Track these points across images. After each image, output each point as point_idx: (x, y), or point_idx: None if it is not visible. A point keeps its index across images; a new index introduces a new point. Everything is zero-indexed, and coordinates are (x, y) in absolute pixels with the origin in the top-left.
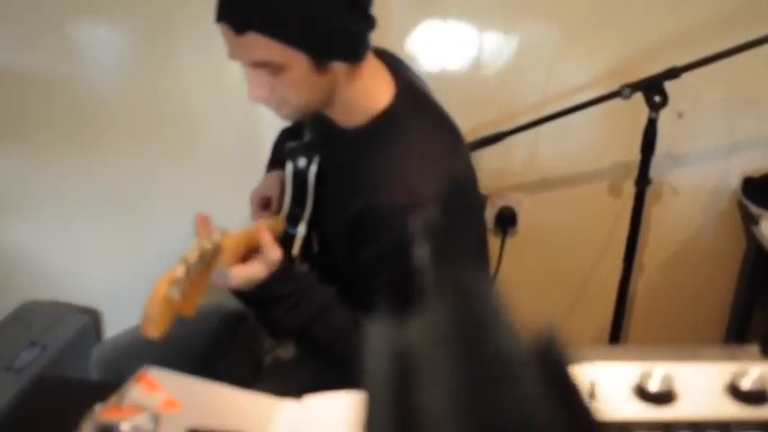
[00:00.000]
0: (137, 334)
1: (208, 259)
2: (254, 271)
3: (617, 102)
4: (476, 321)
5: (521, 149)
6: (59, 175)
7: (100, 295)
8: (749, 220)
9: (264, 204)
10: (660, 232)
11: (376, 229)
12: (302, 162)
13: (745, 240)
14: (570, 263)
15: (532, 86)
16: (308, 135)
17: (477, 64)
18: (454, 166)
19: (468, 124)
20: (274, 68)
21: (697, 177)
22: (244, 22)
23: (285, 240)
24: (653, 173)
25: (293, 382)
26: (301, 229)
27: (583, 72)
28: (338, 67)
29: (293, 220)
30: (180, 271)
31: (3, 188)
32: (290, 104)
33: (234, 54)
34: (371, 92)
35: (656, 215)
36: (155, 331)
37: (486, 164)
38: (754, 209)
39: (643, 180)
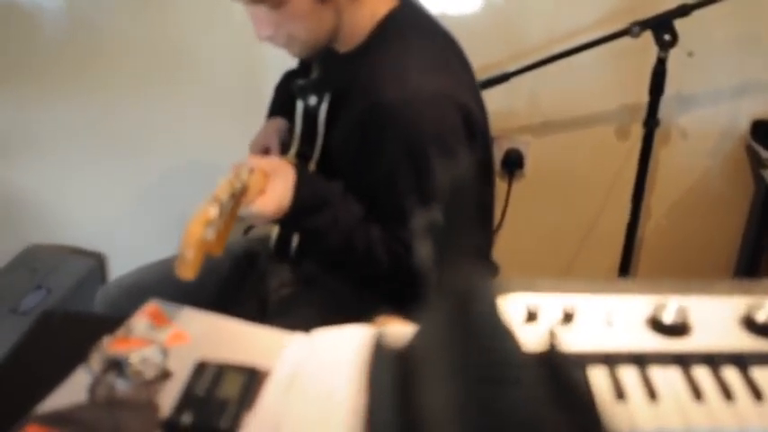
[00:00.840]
0: (141, 274)
1: (237, 199)
2: (276, 189)
3: (626, 41)
4: (475, 324)
5: (528, 91)
6: (62, 118)
7: (104, 238)
8: (758, 164)
9: (264, 154)
10: (668, 175)
11: (383, 130)
12: (313, 100)
13: (754, 184)
14: (578, 205)
15: (539, 26)
16: (316, 72)
17: (483, 3)
18: (461, 78)
19: (474, 64)
20: (275, 2)
21: (706, 120)
22: None
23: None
24: (661, 115)
25: (298, 319)
26: (313, 166)
27: (591, 11)
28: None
29: (303, 158)
30: (213, 212)
31: (4, 132)
32: (297, 40)
33: None
34: (373, 12)
35: (664, 158)
36: (190, 273)
37: (493, 105)
38: (762, 152)
39: (651, 122)
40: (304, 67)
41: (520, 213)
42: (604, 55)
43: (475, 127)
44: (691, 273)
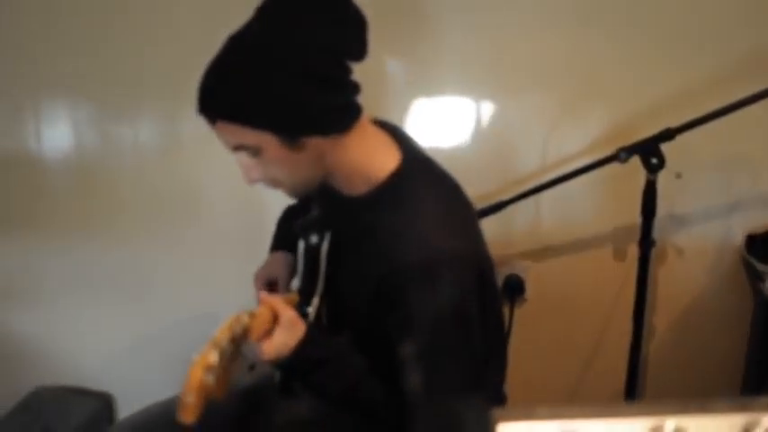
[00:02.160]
0: (149, 413)
1: (238, 340)
2: (280, 339)
3: (615, 166)
4: None
5: (523, 218)
6: (66, 262)
7: (111, 378)
8: (755, 277)
9: (269, 286)
10: (668, 293)
11: (402, 291)
12: (314, 239)
13: (753, 297)
14: (580, 328)
15: (531, 156)
16: (315, 210)
17: (474, 136)
18: (472, 232)
19: (470, 195)
20: (252, 151)
21: (700, 237)
22: (211, 112)
23: (302, 309)
24: (656, 234)
25: None
26: (314, 306)
27: (579, 139)
28: (316, 141)
29: (306, 297)
30: (214, 358)
31: (8, 275)
32: (282, 183)
33: (220, 140)
34: (373, 159)
35: (662, 276)
36: (191, 417)
37: (491, 233)
38: (758, 266)
39: (646, 242)
40: (304, 204)
41: (523, 338)
42: (596, 180)
43: (486, 278)
44: (698, 389)
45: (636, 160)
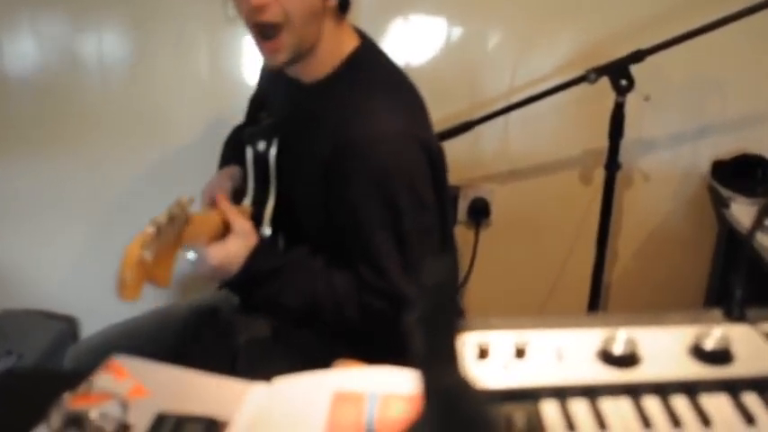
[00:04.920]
0: (109, 333)
1: (178, 227)
2: (231, 246)
3: (584, 88)
4: (460, 422)
5: (490, 140)
6: (29, 183)
7: (75, 302)
8: (720, 204)
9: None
10: (633, 218)
11: (351, 168)
12: (262, 145)
13: (717, 223)
14: (545, 251)
15: (500, 77)
16: (265, 119)
17: (444, 56)
18: (421, 117)
19: (437, 115)
20: None
21: (667, 162)
22: None
23: (257, 218)
24: (623, 159)
25: (268, 373)
26: (268, 215)
27: (549, 60)
28: (332, 5)
29: (259, 206)
30: (149, 231)
31: None
32: (289, 22)
33: None
34: (340, 46)
35: (627, 201)
36: (130, 295)
37: (457, 155)
38: (724, 192)
39: (612, 165)
40: (251, 120)
41: (488, 261)
42: (564, 102)
43: (437, 165)
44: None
45: (606, 83)
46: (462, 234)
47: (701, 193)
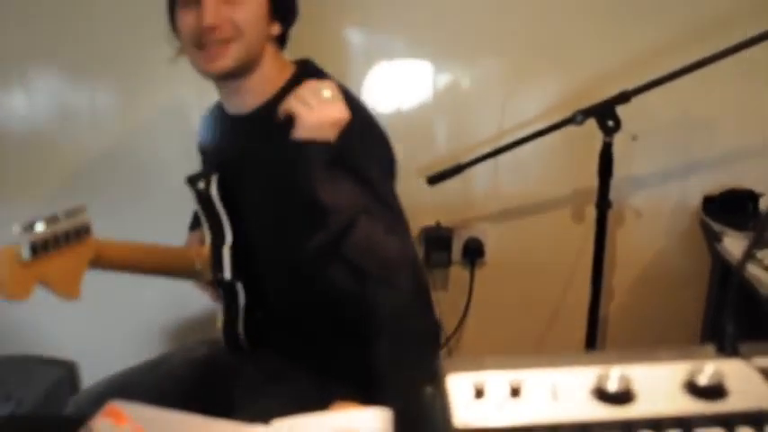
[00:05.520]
0: (111, 382)
1: (73, 238)
2: None
3: (572, 129)
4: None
5: (482, 181)
6: None
7: (75, 347)
8: (712, 238)
9: None
10: (626, 254)
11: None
12: (201, 185)
13: (710, 257)
14: (540, 290)
15: (488, 120)
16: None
17: (432, 100)
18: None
19: (428, 159)
20: None
21: (658, 198)
22: None
23: (216, 260)
24: (613, 196)
25: (263, 414)
26: (226, 252)
27: (537, 103)
28: (275, 30)
29: (216, 246)
30: (36, 231)
31: None
32: (240, 33)
33: None
34: (281, 71)
35: (621, 238)
36: (9, 292)
37: (449, 197)
38: (715, 226)
39: (603, 203)
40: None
41: (484, 300)
42: (553, 143)
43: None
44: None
45: (593, 123)
46: (457, 274)
47: (693, 228)
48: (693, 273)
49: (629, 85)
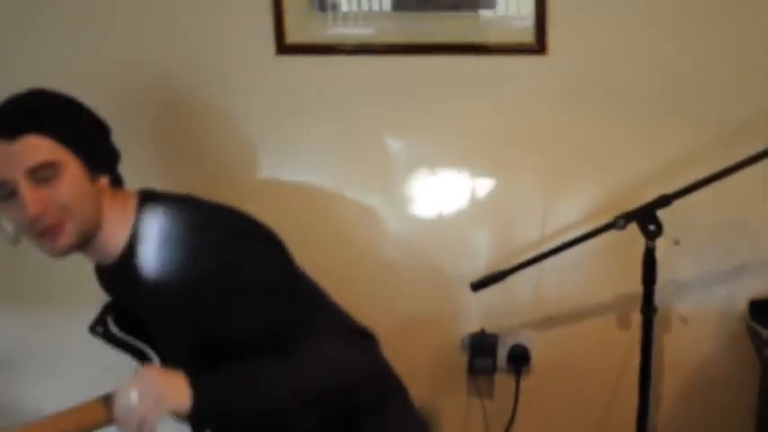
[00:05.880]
0: None
1: None
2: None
3: (614, 233)
4: None
5: (525, 286)
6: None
7: None
8: (759, 343)
9: None
10: (673, 360)
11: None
12: (100, 328)
13: (759, 363)
14: (587, 397)
15: (530, 225)
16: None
17: (474, 207)
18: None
19: (471, 265)
20: (53, 170)
21: (703, 303)
22: (29, 123)
23: None
24: (658, 301)
25: None
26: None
27: (577, 207)
28: (104, 182)
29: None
30: None
31: None
32: (70, 213)
33: (7, 169)
34: (126, 210)
35: (667, 343)
36: None
37: (493, 303)
38: (763, 332)
39: (648, 309)
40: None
41: (530, 408)
42: (596, 247)
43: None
44: None
45: (634, 227)
46: (502, 381)
47: (740, 333)
48: (742, 378)
49: (670, 186)
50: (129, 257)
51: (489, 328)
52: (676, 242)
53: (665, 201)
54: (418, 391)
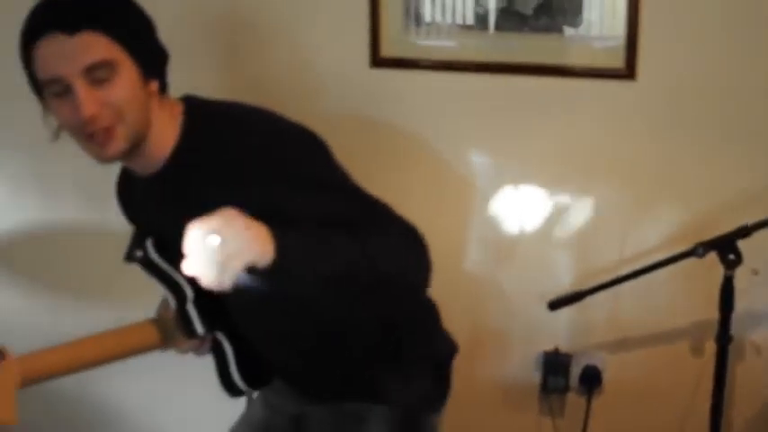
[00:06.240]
0: None
1: None
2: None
3: (693, 260)
4: None
5: (602, 308)
6: None
7: None
8: None
9: None
10: (746, 391)
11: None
12: (139, 253)
13: None
14: (657, 421)
15: (609, 248)
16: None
17: (554, 227)
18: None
19: (549, 283)
20: (109, 69)
21: None
22: (87, 20)
23: (184, 318)
24: (733, 330)
25: None
26: (191, 307)
27: (656, 232)
28: (154, 87)
29: (179, 296)
30: None
31: None
32: (122, 119)
33: (64, 65)
34: (173, 119)
35: (740, 373)
36: None
37: (568, 323)
38: None
39: (724, 338)
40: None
41: (600, 429)
42: (674, 273)
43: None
44: None
45: (713, 255)
46: (574, 401)
47: None
48: None
49: (750, 215)
50: (175, 164)
51: (563, 348)
52: (755, 272)
53: (745, 231)
54: (490, 404)
